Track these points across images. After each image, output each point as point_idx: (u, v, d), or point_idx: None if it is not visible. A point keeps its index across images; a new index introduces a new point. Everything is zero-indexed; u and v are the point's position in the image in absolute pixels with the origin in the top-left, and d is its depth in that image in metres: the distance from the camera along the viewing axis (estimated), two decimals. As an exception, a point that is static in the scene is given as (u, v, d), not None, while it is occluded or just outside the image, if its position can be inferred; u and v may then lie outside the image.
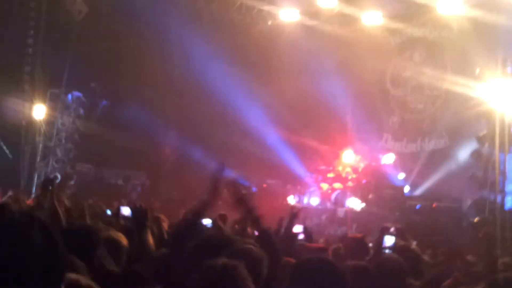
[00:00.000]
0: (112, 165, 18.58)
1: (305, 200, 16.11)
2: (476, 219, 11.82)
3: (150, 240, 5.27)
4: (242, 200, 4.33)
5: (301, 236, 7.62)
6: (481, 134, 12.25)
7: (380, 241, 6.76)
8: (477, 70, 12.81)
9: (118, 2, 16.31)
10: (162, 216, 6.70)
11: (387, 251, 6.58)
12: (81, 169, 17.66)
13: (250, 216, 4.41)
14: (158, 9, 16.45)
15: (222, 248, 3.81)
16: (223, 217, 9.37)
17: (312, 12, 18.10)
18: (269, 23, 18.77)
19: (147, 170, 18.78)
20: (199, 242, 4.01)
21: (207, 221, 8.34)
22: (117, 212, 7.27)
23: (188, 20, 16.80)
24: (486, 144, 12.13)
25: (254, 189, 16.89)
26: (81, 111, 17.80)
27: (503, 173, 12.26)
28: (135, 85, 17.76)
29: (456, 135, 15.72)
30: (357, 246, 6.52)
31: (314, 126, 17.85)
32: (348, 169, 16.32)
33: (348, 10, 17.52)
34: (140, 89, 17.75)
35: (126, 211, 6.92)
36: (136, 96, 17.45)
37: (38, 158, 16.76)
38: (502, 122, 12.10)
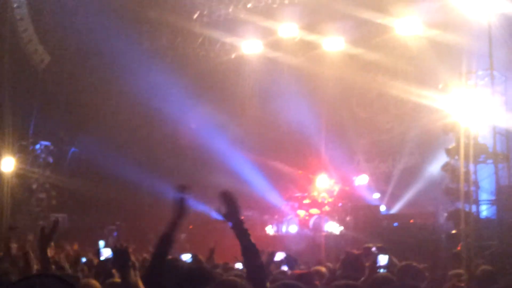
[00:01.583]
0: (86, 212, 18.33)
1: (284, 229, 16.05)
2: (453, 231, 11.90)
3: (135, 278, 5.18)
4: (232, 211, 4.24)
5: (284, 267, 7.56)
6: (450, 146, 12.41)
7: (374, 260, 6.72)
8: (440, 85, 13.04)
9: (80, 47, 16.31)
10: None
11: (381, 270, 6.56)
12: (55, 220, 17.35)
13: (239, 229, 4.30)
14: (122, 49, 16.48)
15: (204, 282, 3.76)
16: (211, 250, 9.30)
17: (274, 42, 18.36)
18: (233, 56, 18.96)
19: (123, 214, 18.56)
20: (180, 278, 3.96)
21: (186, 257, 8.25)
22: (97, 254, 7.15)
23: (153, 59, 16.89)
24: (456, 156, 12.28)
25: (230, 223, 16.76)
26: (50, 160, 17.61)
27: (475, 183, 12.40)
28: (103, 130, 17.68)
29: (426, 151, 15.98)
30: (352, 265, 6.45)
31: (286, 153, 17.99)
32: (324, 194, 16.35)
33: (309, 38, 17.84)
34: (108, 134, 17.67)
35: (106, 252, 6.82)
36: (105, 141, 17.35)
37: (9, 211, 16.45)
38: (468, 133, 12.30)
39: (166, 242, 4.31)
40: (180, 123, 17.62)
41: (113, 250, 5.92)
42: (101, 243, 10.88)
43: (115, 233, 17.78)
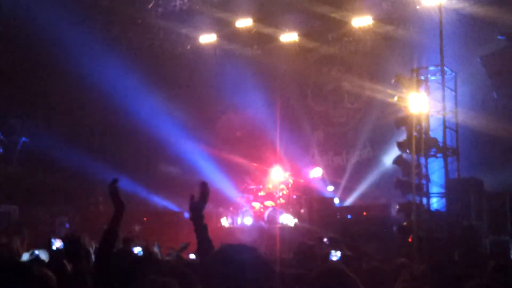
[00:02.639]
0: (37, 203, 17.96)
1: (239, 221, 16.09)
2: (404, 223, 12.17)
3: (87, 267, 5.16)
4: (201, 205, 4.22)
5: None
6: (401, 140, 12.68)
7: (326, 251, 6.83)
8: (393, 80, 13.28)
9: (31, 33, 15.91)
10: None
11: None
12: (5, 210, 16.96)
13: (198, 223, 4.28)
14: (74, 38, 16.16)
15: (151, 268, 3.76)
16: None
17: (230, 34, 18.36)
18: (188, 47, 18.87)
19: (75, 205, 18.28)
20: (127, 267, 3.95)
21: (137, 249, 8.22)
22: (48, 245, 7.06)
23: (106, 48, 16.64)
24: (407, 150, 12.56)
25: (186, 214, 16.74)
26: (0, 150, 17.18)
27: (426, 176, 12.72)
28: (54, 119, 17.35)
29: (378, 144, 16.31)
30: (305, 255, 6.52)
31: (241, 146, 18.04)
32: (278, 186, 16.47)
33: (265, 30, 17.90)
34: (60, 123, 17.36)
35: (57, 243, 6.74)
36: (56, 130, 17.03)
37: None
38: (419, 128, 12.60)
39: (109, 237, 4.31)
40: (133, 113, 17.44)
41: (64, 240, 5.87)
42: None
43: (67, 225, 17.51)
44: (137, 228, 16.13)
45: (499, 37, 12.22)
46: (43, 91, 17.23)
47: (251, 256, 3.35)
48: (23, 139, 17.96)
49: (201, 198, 4.04)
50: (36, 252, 8.64)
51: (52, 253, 6.82)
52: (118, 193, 4.34)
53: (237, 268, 3.20)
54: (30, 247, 9.50)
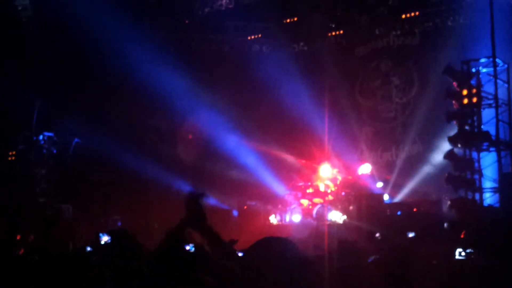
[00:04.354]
0: (90, 203, 18.37)
1: (287, 218, 16.08)
2: (456, 219, 11.91)
3: (137, 262, 5.20)
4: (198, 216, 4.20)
5: None
6: (452, 134, 12.41)
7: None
8: (443, 73, 13.00)
9: (84, 36, 16.24)
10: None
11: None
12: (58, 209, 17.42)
13: (209, 232, 4.28)
14: (125, 41, 16.42)
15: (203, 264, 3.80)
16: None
17: (277, 30, 18.44)
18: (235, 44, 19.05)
19: (127, 204, 18.60)
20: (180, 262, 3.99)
21: (189, 246, 8.31)
22: (96, 240, 7.20)
23: (155, 51, 16.90)
24: (459, 144, 12.29)
25: (235, 212, 16.83)
26: (54, 150, 17.64)
27: (478, 171, 12.42)
28: (107, 120, 17.70)
29: (429, 139, 15.99)
30: (348, 251, 6.56)
31: (289, 143, 18.00)
32: (327, 183, 16.37)
33: (312, 26, 17.86)
34: (113, 124, 17.70)
35: (105, 238, 6.86)
36: (108, 131, 17.36)
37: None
38: (471, 121, 12.32)
39: (173, 239, 4.31)
40: (186, 114, 17.63)
41: (111, 234, 5.94)
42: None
43: (119, 223, 17.83)
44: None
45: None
46: (96, 92, 17.59)
47: (288, 249, 3.37)
48: (76, 139, 18.39)
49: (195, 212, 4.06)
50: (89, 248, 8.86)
51: (100, 248, 6.95)
52: (200, 207, 4.28)
53: (275, 259, 3.24)
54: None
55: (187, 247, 8.32)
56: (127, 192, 18.39)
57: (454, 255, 10.52)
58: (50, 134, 17.65)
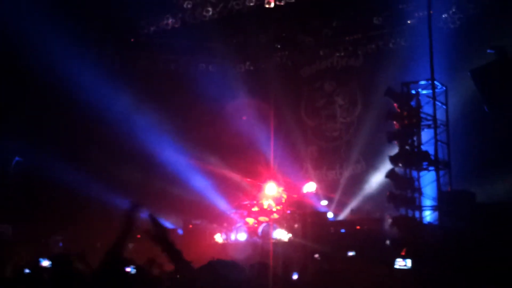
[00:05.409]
0: (31, 223, 17.88)
1: (233, 237, 16.07)
2: (398, 237, 12.19)
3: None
4: (162, 235, 4.27)
5: None
6: (393, 154, 12.72)
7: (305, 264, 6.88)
8: (384, 94, 13.34)
9: (19, 50, 15.89)
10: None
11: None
12: (-1, 230, 16.89)
13: (171, 250, 4.35)
14: (67, 56, 16.19)
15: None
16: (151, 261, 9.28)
17: (223, 50, 18.55)
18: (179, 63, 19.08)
19: (69, 223, 18.20)
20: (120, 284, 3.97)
21: (130, 268, 8.20)
22: (35, 266, 7.00)
23: (98, 63, 16.73)
24: (399, 164, 12.61)
25: (180, 231, 16.71)
26: (-7, 169, 17.14)
27: (418, 189, 12.76)
28: (47, 138, 17.33)
29: (371, 158, 16.36)
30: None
31: (235, 161, 18.07)
32: (272, 202, 16.48)
33: (258, 46, 18.08)
34: (53, 142, 17.35)
35: (45, 263, 6.69)
36: (49, 149, 17.00)
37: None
38: (411, 141, 12.67)
39: (113, 257, 4.27)
40: (130, 132, 17.47)
41: (52, 260, 5.80)
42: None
43: (60, 244, 17.43)
44: (130, 245, 16.06)
45: (488, 50, 12.29)
46: (35, 110, 17.23)
47: (236, 272, 3.42)
48: (17, 158, 17.92)
49: (156, 230, 4.10)
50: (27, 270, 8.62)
51: (36, 273, 6.76)
52: (134, 215, 4.25)
53: (221, 283, 3.27)
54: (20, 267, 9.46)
55: (128, 269, 8.23)
56: (69, 211, 18.00)
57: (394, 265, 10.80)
58: (-11, 152, 17.17)
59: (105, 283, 4.27)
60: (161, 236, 4.16)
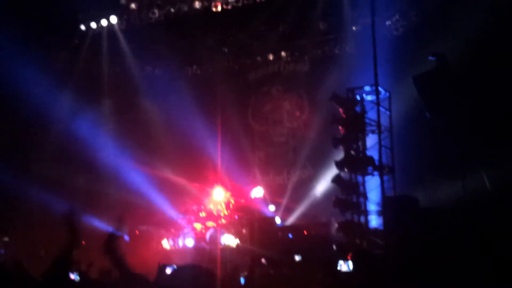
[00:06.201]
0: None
1: (180, 242, 15.94)
2: (344, 241, 12.31)
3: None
4: (108, 242, 4.19)
5: None
6: (339, 159, 12.86)
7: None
8: (329, 99, 13.47)
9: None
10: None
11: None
12: None
13: (115, 257, 4.26)
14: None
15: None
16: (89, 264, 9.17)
17: (169, 52, 18.42)
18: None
19: (10, 230, 17.68)
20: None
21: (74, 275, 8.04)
22: None
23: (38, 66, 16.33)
24: (345, 169, 12.75)
25: (126, 237, 16.44)
26: None
27: (363, 194, 12.92)
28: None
29: (318, 163, 16.50)
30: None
31: (182, 166, 17.92)
32: (220, 207, 16.42)
33: (205, 49, 18.02)
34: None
35: None
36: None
37: None
38: (356, 147, 12.84)
39: (61, 265, 4.17)
40: (68, 130, 17.09)
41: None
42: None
43: (2, 251, 16.96)
44: (74, 252, 15.71)
45: (430, 57, 12.58)
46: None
47: (200, 275, 3.40)
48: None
49: (115, 228, 4.07)
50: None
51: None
52: (77, 224, 4.16)
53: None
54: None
55: (72, 276, 8.05)
56: (11, 217, 17.50)
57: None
58: None
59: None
60: (106, 241, 4.09)
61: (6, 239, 17.08)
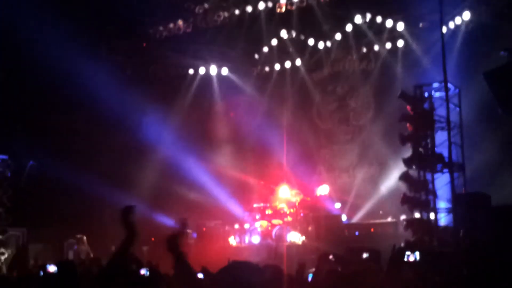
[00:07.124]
0: (46, 226, 18.00)
1: (246, 239, 16.11)
2: (412, 239, 12.15)
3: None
4: (171, 239, 4.29)
5: None
6: (407, 156, 12.71)
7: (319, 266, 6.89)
8: (397, 97, 13.33)
9: (35, 57, 16.02)
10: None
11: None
12: (14, 233, 17.03)
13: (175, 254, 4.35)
14: (79, 64, 16.31)
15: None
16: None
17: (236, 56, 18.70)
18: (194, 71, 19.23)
19: (83, 227, 18.30)
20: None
21: (144, 270, 8.30)
22: (39, 271, 7.06)
23: (109, 67, 16.85)
24: (413, 166, 12.59)
25: (194, 234, 16.77)
26: (8, 173, 17.26)
27: (432, 192, 12.72)
28: (61, 142, 17.47)
29: (384, 161, 16.35)
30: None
31: (248, 164, 18.13)
32: (285, 205, 16.50)
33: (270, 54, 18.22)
34: (67, 146, 17.48)
35: (52, 268, 6.74)
36: (63, 152, 17.14)
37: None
38: (425, 143, 12.66)
39: (116, 262, 4.31)
40: (140, 135, 17.57)
41: (58, 266, 5.86)
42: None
43: (75, 247, 17.52)
44: (145, 248, 16.15)
45: (501, 52, 12.26)
46: (50, 115, 17.38)
47: (255, 274, 3.47)
48: (31, 162, 18.07)
49: (178, 231, 4.17)
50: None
51: (42, 279, 6.82)
52: (133, 221, 4.31)
53: (241, 285, 3.32)
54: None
55: (142, 271, 8.33)
56: (83, 214, 18.11)
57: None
58: (4, 157, 17.30)
59: (113, 283, 4.33)
60: (170, 237, 4.20)
61: (79, 236, 17.67)
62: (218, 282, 3.78)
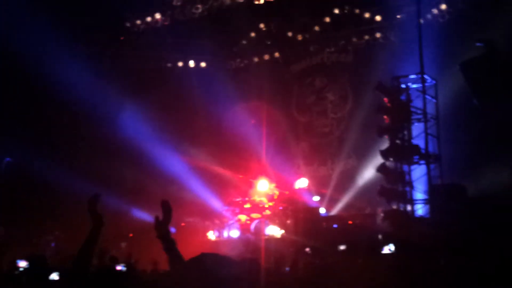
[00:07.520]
0: (23, 223, 17.80)
1: (225, 234, 16.06)
2: (390, 231, 12.19)
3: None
4: (165, 222, 4.23)
5: None
6: (384, 148, 12.74)
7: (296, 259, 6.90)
8: (374, 89, 13.35)
9: (11, 50, 15.78)
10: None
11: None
12: (-11, 230, 16.81)
13: (165, 241, 4.29)
14: (57, 56, 16.11)
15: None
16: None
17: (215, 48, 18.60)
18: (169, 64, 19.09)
19: (61, 224, 18.12)
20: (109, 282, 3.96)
21: (120, 266, 8.23)
22: (13, 266, 7.00)
23: (87, 60, 16.67)
24: (390, 158, 12.63)
25: (173, 229, 16.66)
26: (-17, 170, 17.03)
27: (409, 183, 12.78)
28: (37, 138, 17.25)
29: (362, 153, 16.36)
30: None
31: (226, 158, 18.04)
32: (264, 198, 16.47)
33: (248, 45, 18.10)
34: (43, 141, 17.28)
35: (22, 263, 6.69)
36: (40, 149, 16.93)
37: None
38: (402, 135, 12.69)
39: (83, 254, 4.23)
40: (118, 129, 17.40)
41: (29, 260, 5.78)
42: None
43: (52, 244, 17.37)
44: (123, 244, 16.04)
45: (477, 44, 12.32)
46: (25, 110, 17.15)
47: (226, 267, 3.41)
48: (7, 159, 17.83)
49: (164, 216, 4.07)
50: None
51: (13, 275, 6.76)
52: (96, 209, 4.23)
53: (209, 275, 3.27)
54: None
55: (118, 267, 8.24)
56: (61, 211, 17.93)
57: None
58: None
59: (88, 278, 4.23)
60: (164, 225, 4.13)
61: (56, 232, 17.50)
62: (186, 271, 3.70)
